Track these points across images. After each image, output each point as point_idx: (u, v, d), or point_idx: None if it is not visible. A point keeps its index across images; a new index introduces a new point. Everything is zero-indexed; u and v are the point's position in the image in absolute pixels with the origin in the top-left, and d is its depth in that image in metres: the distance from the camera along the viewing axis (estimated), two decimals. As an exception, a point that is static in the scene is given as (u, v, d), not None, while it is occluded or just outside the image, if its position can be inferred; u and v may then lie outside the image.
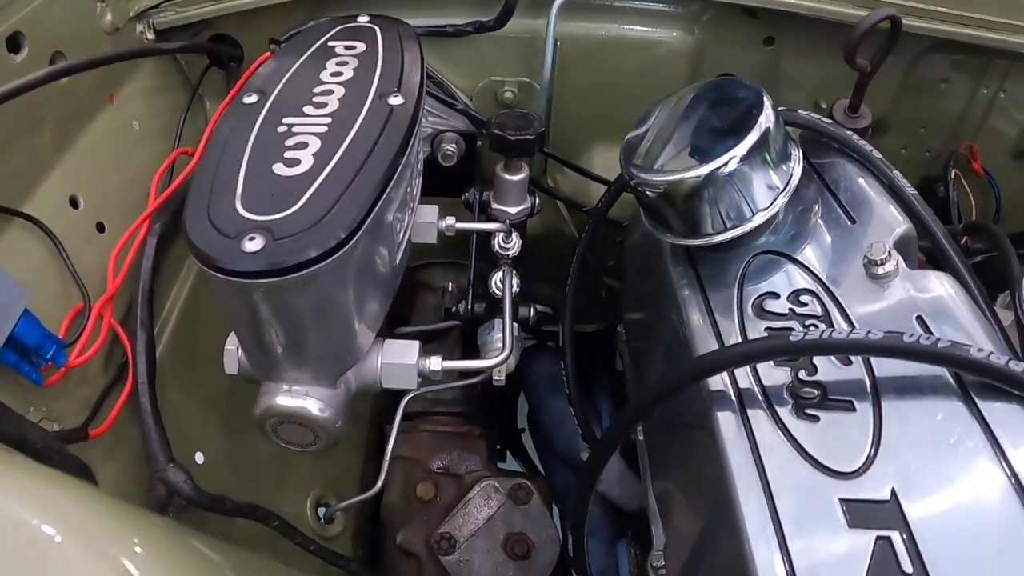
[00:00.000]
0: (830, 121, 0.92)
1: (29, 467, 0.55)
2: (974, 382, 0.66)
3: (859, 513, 0.61)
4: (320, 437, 0.80)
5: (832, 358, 0.72)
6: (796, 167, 0.86)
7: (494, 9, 1.12)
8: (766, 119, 0.81)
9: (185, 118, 1.15)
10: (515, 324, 1.01)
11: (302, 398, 0.77)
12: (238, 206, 0.67)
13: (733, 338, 0.79)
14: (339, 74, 0.87)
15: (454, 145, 1.23)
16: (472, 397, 1.44)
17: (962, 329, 0.72)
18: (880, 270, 0.77)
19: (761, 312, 0.80)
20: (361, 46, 0.94)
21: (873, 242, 0.78)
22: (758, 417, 0.70)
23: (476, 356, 1.13)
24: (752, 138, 0.80)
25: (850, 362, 0.72)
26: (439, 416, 1.40)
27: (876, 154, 0.88)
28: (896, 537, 0.59)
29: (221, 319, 0.79)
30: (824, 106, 1.22)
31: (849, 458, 0.65)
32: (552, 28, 1.13)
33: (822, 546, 0.61)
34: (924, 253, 0.88)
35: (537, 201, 1.14)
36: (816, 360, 0.73)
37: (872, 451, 0.65)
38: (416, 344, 0.84)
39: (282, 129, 0.77)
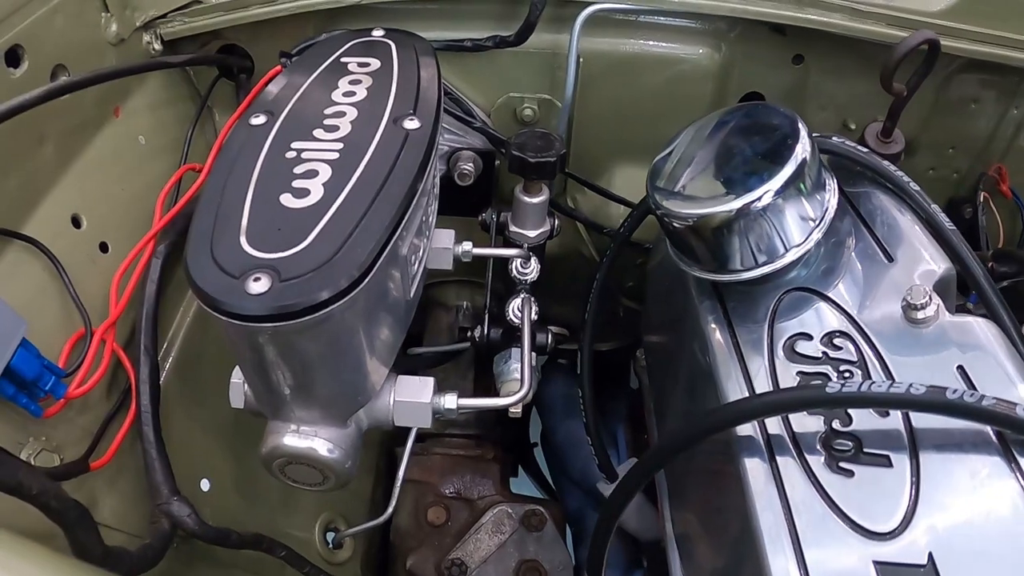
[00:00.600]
0: (865, 150, 0.88)
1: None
2: (1017, 440, 0.64)
3: (895, 577, 0.59)
4: (329, 478, 0.77)
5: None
6: (832, 198, 0.82)
7: (514, 23, 1.08)
8: (803, 149, 0.78)
9: (193, 131, 1.12)
10: (533, 353, 0.97)
11: (310, 439, 0.74)
12: (243, 242, 0.64)
13: (762, 379, 0.76)
14: (352, 94, 0.83)
15: (471, 164, 1.19)
16: (486, 418, 1.42)
17: (1005, 381, 0.68)
18: (920, 315, 0.73)
19: (793, 354, 0.77)
20: (375, 63, 0.90)
21: (913, 285, 0.75)
22: (788, 467, 0.68)
23: (490, 380, 1.10)
24: (788, 170, 0.77)
25: (887, 414, 0.69)
26: (452, 438, 1.38)
27: (914, 186, 0.84)
28: None
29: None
30: (853, 127, 1.20)
31: (885, 517, 0.63)
32: (575, 43, 1.09)
33: (855, 610, 0.59)
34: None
35: (557, 223, 1.11)
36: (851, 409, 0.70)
37: (910, 510, 0.63)
38: (431, 381, 0.81)
39: (291, 155, 0.74)
